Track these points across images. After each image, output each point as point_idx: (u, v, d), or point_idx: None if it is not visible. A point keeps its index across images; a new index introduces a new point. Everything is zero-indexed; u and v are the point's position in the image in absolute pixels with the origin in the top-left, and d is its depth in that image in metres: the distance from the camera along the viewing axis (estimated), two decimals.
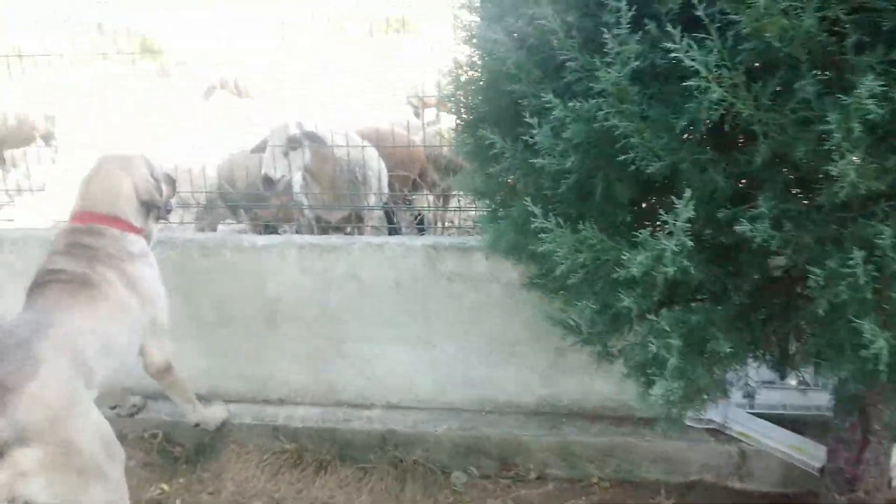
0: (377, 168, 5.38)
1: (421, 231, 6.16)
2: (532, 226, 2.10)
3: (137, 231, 3.54)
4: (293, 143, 4.99)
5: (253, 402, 4.39)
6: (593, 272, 2.07)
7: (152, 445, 4.26)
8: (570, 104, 1.95)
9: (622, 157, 1.93)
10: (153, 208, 3.64)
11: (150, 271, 3.52)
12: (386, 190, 5.55)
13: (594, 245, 2.02)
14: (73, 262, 3.25)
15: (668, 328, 1.92)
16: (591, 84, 1.99)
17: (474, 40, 2.85)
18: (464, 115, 2.81)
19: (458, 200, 4.95)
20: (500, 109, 2.47)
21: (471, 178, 2.90)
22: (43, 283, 3.24)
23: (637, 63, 1.85)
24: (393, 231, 5.94)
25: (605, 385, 4.12)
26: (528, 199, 2.41)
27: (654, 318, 2.01)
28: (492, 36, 2.35)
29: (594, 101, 1.91)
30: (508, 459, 4.06)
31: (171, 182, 3.92)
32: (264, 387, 4.40)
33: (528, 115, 2.31)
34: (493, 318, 4.12)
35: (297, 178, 5.39)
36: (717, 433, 3.89)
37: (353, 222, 5.59)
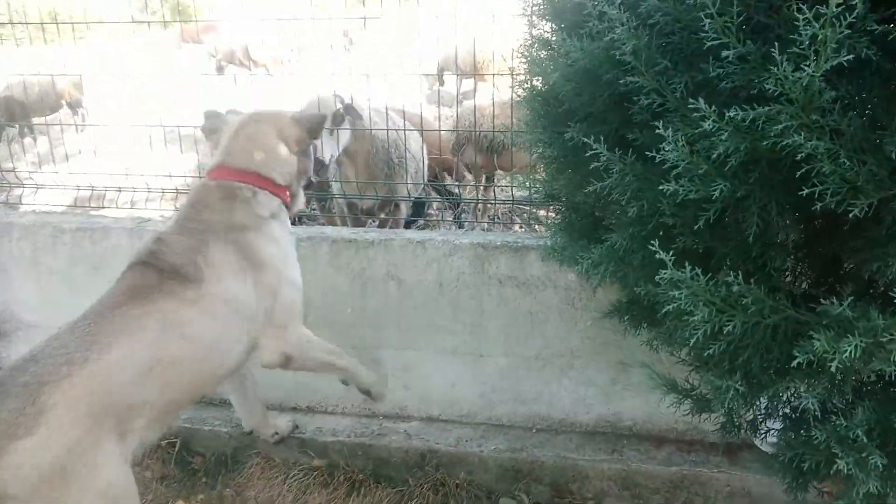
0: (417, 151, 4.72)
1: (459, 223, 5.46)
2: (658, 276, 1.47)
3: (279, 190, 2.87)
4: (338, 120, 4.33)
5: (280, 410, 3.83)
6: (740, 338, 1.45)
7: (170, 456, 3.72)
8: (731, 114, 1.31)
9: (806, 191, 1.29)
10: (304, 164, 2.97)
11: (276, 235, 2.81)
12: (424, 176, 4.90)
13: (749, 306, 1.39)
14: (180, 243, 2.61)
15: (864, 438, 1.31)
16: (754, 82, 1.35)
17: (553, 12, 2.20)
18: (538, 105, 2.17)
19: (511, 191, 4.25)
20: (599, 105, 1.83)
21: (543, 181, 2.27)
22: (134, 266, 2.58)
23: (849, 57, 1.20)
24: (410, 224, 5.26)
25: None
26: (628, 228, 1.78)
27: (842, 419, 1.40)
28: (594, 8, 1.70)
29: (765, 108, 1.27)
30: (562, 486, 3.46)
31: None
32: (293, 394, 3.83)
33: (644, 118, 1.67)
34: (549, 326, 3.51)
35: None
36: None
37: (388, 210, 4.95)
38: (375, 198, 4.63)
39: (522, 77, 2.43)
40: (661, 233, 1.73)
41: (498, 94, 4.97)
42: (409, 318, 3.61)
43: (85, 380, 2.23)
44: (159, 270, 2.53)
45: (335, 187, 4.75)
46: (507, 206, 4.74)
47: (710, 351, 1.46)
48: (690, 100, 1.36)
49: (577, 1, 1.83)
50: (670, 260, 1.45)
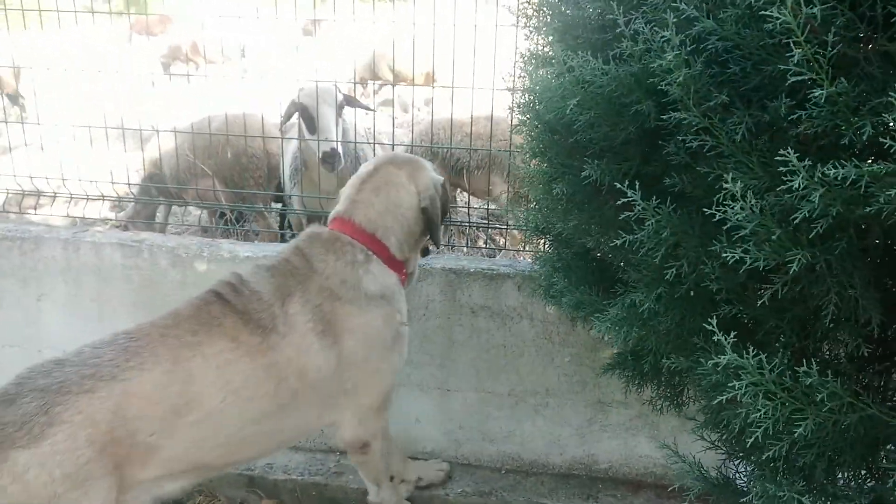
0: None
1: None
2: (715, 363, 1.17)
3: (395, 265, 2.47)
4: (340, 110, 3.97)
5: None
6: (808, 438, 1.16)
7: None
8: (829, 170, 1.01)
9: None
10: (431, 231, 2.52)
11: (377, 325, 2.38)
12: None
13: (824, 402, 1.10)
14: (261, 283, 2.25)
15: None
16: (841, 129, 1.06)
17: (560, 27, 1.89)
18: (543, 133, 1.86)
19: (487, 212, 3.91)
20: (621, 138, 1.54)
21: (542, 216, 1.97)
22: (205, 293, 2.23)
23: None
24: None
25: (651, 447, 3.24)
26: (655, 287, 1.48)
27: None
28: (627, 27, 1.40)
29: (873, 166, 0.99)
30: None
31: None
32: None
33: (682, 159, 1.38)
34: (524, 361, 3.19)
35: (288, 161, 4.36)
36: None
37: None
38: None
39: (519, 98, 2.12)
40: (692, 295, 1.44)
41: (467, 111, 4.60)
42: None
43: (104, 399, 1.89)
44: (228, 305, 2.16)
45: (295, 201, 4.34)
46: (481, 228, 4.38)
47: (770, 453, 1.17)
48: (780, 151, 1.06)
49: (601, 16, 1.53)
50: (729, 342, 1.15)
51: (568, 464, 3.28)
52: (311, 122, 3.95)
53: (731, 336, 1.15)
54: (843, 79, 1.07)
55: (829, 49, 1.06)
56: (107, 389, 1.90)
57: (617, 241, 1.40)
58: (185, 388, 2.01)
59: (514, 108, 2.06)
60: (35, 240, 3.34)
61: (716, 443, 1.60)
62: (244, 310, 2.16)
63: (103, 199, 3.73)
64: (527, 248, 3.48)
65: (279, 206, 5.01)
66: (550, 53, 2.02)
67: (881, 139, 0.98)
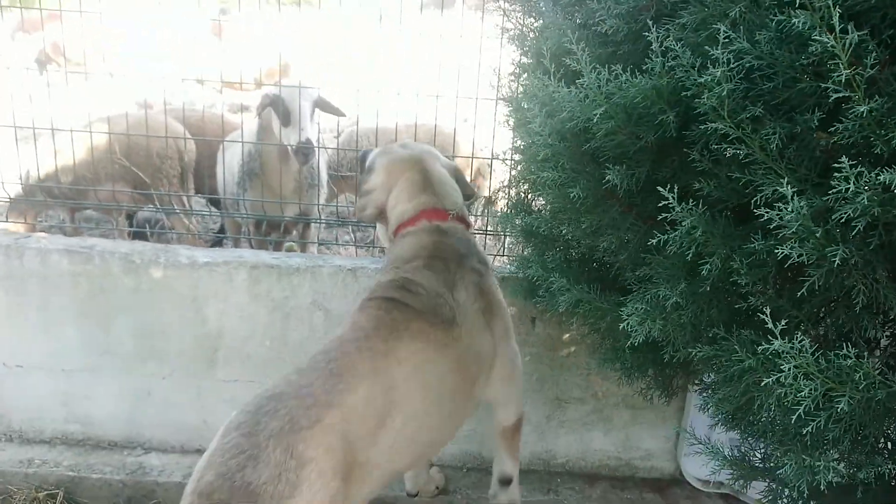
0: (324, 168, 4.40)
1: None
2: (763, 348, 1.30)
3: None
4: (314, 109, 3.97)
5: (182, 454, 3.34)
6: (849, 418, 1.30)
7: None
8: (881, 177, 1.16)
9: None
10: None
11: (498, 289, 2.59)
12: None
13: (860, 381, 1.25)
14: (431, 279, 2.30)
15: None
16: (871, 140, 1.22)
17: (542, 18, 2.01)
18: (555, 140, 1.95)
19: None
20: (637, 145, 1.66)
21: (543, 219, 2.07)
22: (376, 300, 2.22)
23: None
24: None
25: (606, 441, 3.41)
26: (678, 283, 1.62)
27: None
28: (659, 42, 1.52)
29: None
30: None
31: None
32: (197, 436, 3.36)
33: (706, 166, 1.51)
34: None
35: (232, 163, 4.27)
36: (731, 498, 3.29)
37: (297, 229, 4.53)
38: (297, 219, 4.25)
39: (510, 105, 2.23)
40: (715, 290, 1.58)
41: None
42: None
43: (333, 427, 1.83)
44: (408, 308, 2.18)
45: (246, 205, 4.27)
46: None
47: (810, 428, 1.32)
48: (839, 160, 1.20)
49: (628, 32, 1.65)
50: (779, 329, 1.29)
51: (528, 459, 3.40)
52: (286, 115, 3.92)
53: (781, 325, 1.28)
54: (876, 96, 1.23)
55: (868, 70, 1.22)
56: (331, 417, 1.84)
57: (651, 241, 1.52)
58: (388, 397, 1.99)
59: (507, 119, 2.16)
60: None
61: (740, 425, 1.74)
62: (425, 308, 2.20)
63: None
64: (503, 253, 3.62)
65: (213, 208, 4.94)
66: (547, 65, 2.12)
67: None
